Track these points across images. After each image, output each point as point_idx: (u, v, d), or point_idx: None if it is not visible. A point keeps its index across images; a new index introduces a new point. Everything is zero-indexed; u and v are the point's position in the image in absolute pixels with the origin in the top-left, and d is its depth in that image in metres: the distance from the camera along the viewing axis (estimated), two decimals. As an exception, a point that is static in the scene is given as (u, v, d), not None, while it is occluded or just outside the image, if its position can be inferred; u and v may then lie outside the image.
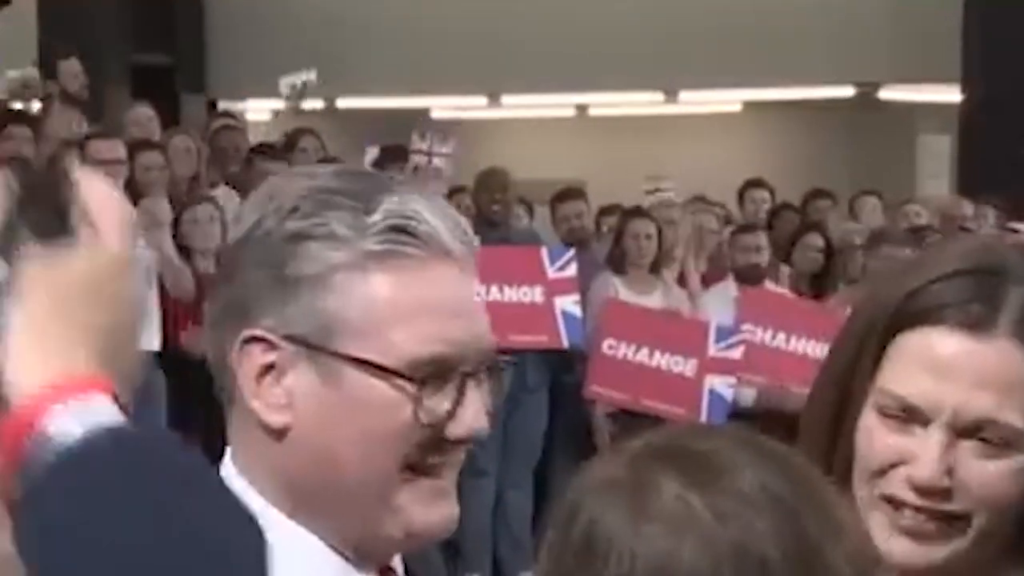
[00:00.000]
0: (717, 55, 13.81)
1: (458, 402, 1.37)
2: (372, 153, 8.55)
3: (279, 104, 11.04)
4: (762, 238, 8.26)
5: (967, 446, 1.38)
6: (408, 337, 1.35)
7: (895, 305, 1.40)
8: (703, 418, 7.15)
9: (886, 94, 14.69)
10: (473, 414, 1.38)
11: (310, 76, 9.90)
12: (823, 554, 1.07)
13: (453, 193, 8.32)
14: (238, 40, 14.65)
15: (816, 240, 8.47)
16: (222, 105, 14.43)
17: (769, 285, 8.19)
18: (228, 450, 1.43)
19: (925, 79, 13.88)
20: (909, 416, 1.39)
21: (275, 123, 12.63)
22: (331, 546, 1.39)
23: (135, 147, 7.82)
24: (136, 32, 13.63)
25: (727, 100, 15.05)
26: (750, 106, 15.16)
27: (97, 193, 1.13)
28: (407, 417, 1.35)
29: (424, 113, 15.16)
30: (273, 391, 1.36)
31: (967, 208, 9.55)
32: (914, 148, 14.47)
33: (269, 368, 1.36)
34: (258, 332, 1.36)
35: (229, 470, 1.42)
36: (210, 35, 15.05)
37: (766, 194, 9.87)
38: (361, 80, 14.01)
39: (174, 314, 7.03)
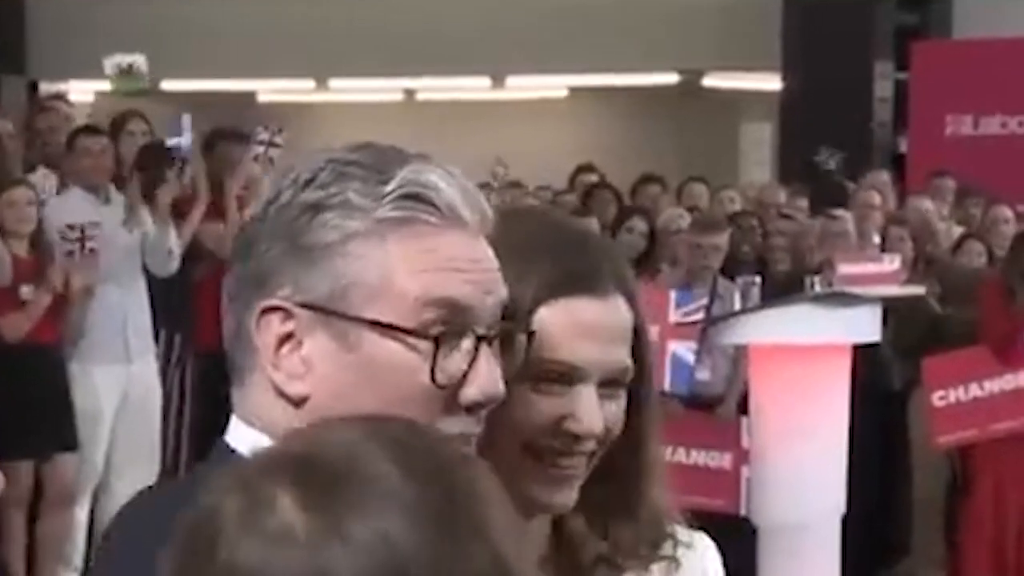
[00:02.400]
0: (543, 41, 13.92)
1: (472, 364, 1.38)
2: (186, 121, 8.36)
3: (102, 86, 10.89)
4: (593, 223, 8.35)
5: (603, 393, 1.58)
6: (417, 288, 1.36)
7: (531, 292, 1.56)
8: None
9: (709, 82, 14.92)
10: (487, 376, 1.39)
11: (137, 59, 9.77)
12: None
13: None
14: (60, 20, 14.39)
15: (640, 224, 8.60)
16: (43, 86, 14.19)
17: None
18: (235, 418, 1.43)
19: (747, 68, 14.14)
20: (566, 379, 1.56)
21: (98, 105, 12.45)
22: None
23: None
24: (-46, 11, 13.34)
25: (553, 86, 15.18)
26: (576, 92, 15.30)
27: None
28: (424, 380, 1.36)
29: (250, 96, 15.06)
30: (291, 360, 1.37)
31: (781, 195, 9.79)
32: (737, 135, 14.75)
33: (288, 338, 1.37)
34: (275, 302, 1.37)
35: (243, 435, 1.41)
36: (31, 15, 14.76)
37: (595, 179, 10.02)
38: (187, 62, 13.84)
39: (-8, 298, 6.94)
